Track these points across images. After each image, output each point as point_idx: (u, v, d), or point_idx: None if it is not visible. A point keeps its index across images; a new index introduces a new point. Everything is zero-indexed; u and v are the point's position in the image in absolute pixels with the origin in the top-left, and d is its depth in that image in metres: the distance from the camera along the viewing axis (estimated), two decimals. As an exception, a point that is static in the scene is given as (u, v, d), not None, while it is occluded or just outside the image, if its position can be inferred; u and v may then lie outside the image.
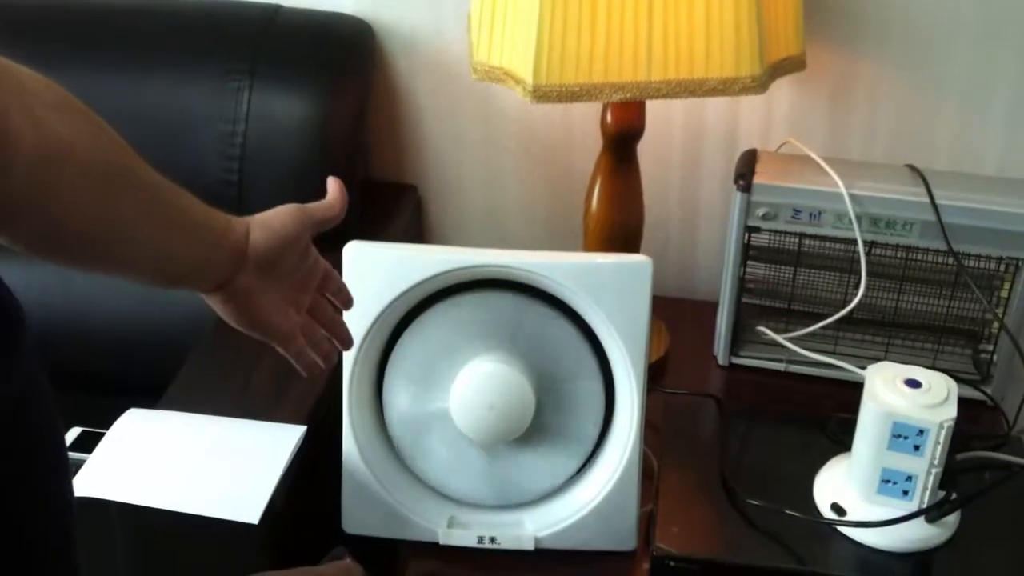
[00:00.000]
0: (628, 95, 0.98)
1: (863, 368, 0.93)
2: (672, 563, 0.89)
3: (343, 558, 0.79)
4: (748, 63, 0.97)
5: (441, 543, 0.95)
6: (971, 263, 1.08)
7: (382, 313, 0.91)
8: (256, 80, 1.25)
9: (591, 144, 1.18)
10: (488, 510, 0.97)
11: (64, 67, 1.28)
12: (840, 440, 0.98)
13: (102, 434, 0.95)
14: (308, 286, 0.74)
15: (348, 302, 0.78)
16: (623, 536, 0.95)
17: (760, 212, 1.09)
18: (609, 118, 1.10)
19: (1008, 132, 1.24)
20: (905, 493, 0.89)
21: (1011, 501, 0.94)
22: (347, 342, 0.79)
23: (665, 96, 0.98)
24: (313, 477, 0.98)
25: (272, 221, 0.69)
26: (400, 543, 0.96)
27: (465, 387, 0.91)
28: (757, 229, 1.12)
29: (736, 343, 1.19)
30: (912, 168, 1.10)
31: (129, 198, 0.57)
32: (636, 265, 0.89)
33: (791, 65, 1.06)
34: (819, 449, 0.99)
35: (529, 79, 0.97)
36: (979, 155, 1.26)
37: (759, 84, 0.98)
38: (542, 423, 0.93)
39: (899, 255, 1.10)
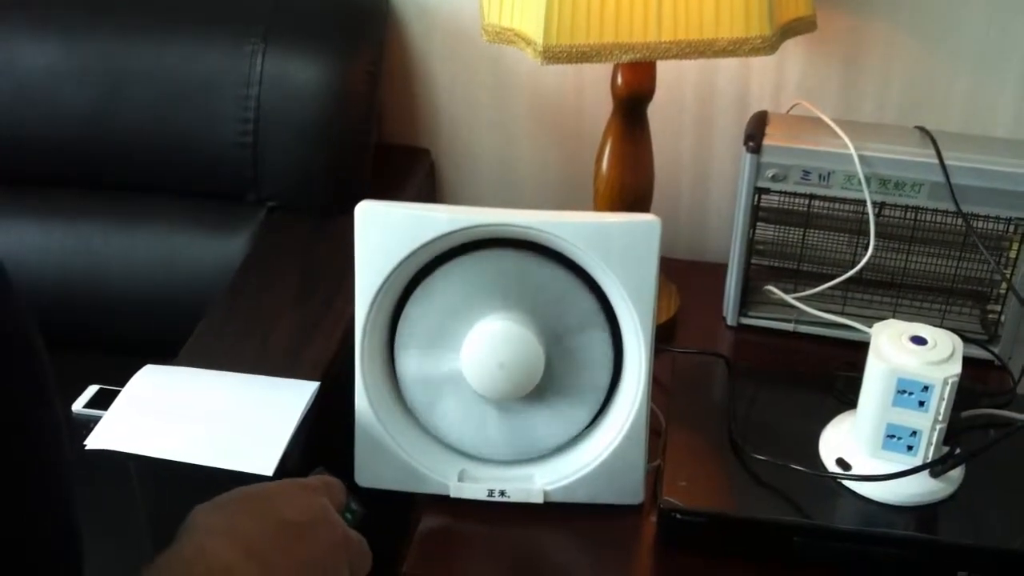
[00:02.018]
0: (637, 55, 0.98)
1: (871, 328, 0.94)
2: (679, 516, 0.91)
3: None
4: (758, 24, 0.97)
5: (452, 496, 0.97)
6: (980, 224, 1.08)
7: (393, 272, 0.92)
8: (270, 44, 1.26)
9: (602, 107, 1.19)
10: (498, 464, 0.99)
11: (81, 31, 1.30)
12: (847, 398, 0.99)
13: (119, 392, 0.97)
14: None
15: None
16: (631, 490, 0.96)
17: (770, 173, 1.10)
18: (619, 80, 1.11)
19: (1021, 94, 1.24)
20: (909, 448, 0.91)
21: (1015, 457, 0.95)
22: None
23: (675, 57, 0.98)
24: (327, 432, 0.99)
25: None
26: (412, 496, 0.97)
27: (475, 345, 0.93)
28: (767, 191, 1.12)
29: (745, 304, 1.20)
30: (922, 129, 1.10)
31: None
32: (645, 224, 0.90)
33: (802, 26, 1.06)
34: (826, 407, 1.00)
35: (539, 40, 0.97)
36: (992, 117, 1.26)
37: (769, 45, 0.99)
38: (552, 380, 0.95)
39: (908, 216, 1.10)
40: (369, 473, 0.98)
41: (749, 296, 1.20)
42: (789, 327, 1.18)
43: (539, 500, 0.97)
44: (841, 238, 1.14)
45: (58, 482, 0.54)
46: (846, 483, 0.92)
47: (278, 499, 0.71)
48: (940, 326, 0.93)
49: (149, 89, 1.28)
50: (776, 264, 1.19)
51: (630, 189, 1.16)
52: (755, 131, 1.11)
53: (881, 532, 0.89)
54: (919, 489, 0.91)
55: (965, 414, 0.94)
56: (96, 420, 0.93)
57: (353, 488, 0.82)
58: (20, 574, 0.50)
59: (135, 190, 1.34)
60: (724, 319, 1.21)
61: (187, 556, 0.62)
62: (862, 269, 1.11)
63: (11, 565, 0.49)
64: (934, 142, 1.07)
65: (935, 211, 1.09)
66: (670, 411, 1.02)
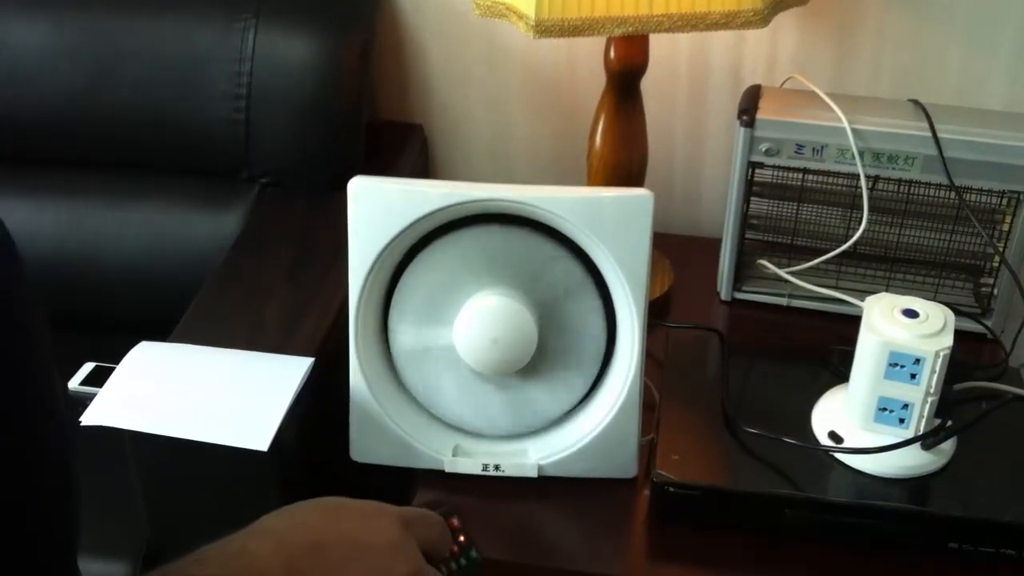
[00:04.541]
0: (630, 29, 0.98)
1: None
2: (672, 489, 0.91)
3: (452, 517, 0.77)
4: (750, -4, 0.97)
5: (447, 471, 0.97)
6: (972, 197, 1.09)
7: (386, 248, 0.92)
8: (262, 20, 1.26)
9: (596, 82, 1.18)
10: (493, 439, 0.99)
11: (73, 8, 1.29)
12: (840, 372, 0.99)
13: (114, 368, 0.97)
14: None
15: None
16: (624, 464, 0.97)
17: (763, 147, 1.10)
18: (612, 54, 1.11)
19: (1014, 67, 1.24)
20: (901, 421, 0.91)
21: (1006, 429, 0.96)
22: None
23: (667, 30, 0.98)
24: (322, 408, 1.00)
25: None
26: (407, 471, 0.98)
27: (469, 320, 0.93)
28: (761, 165, 1.12)
29: (739, 279, 1.20)
30: (915, 103, 1.10)
31: None
32: (637, 198, 0.90)
33: (794, -1, 1.06)
34: (819, 380, 1.01)
35: (531, 13, 0.97)
36: (985, 90, 1.26)
37: (761, 18, 0.98)
38: (545, 355, 0.95)
39: (901, 190, 1.10)
40: (364, 448, 0.98)
41: (743, 271, 1.20)
42: (783, 301, 1.19)
43: (533, 474, 0.97)
44: (835, 212, 1.14)
45: (56, 438, 0.53)
46: (838, 456, 0.93)
47: (348, 514, 0.68)
48: (933, 299, 0.93)
49: (141, 66, 1.27)
50: (770, 239, 1.19)
51: (624, 164, 1.16)
52: (749, 105, 1.11)
53: (873, 504, 0.90)
54: (911, 462, 0.91)
55: (957, 387, 0.94)
56: (92, 397, 0.94)
57: (466, 531, 0.79)
58: (18, 532, 0.50)
59: (128, 168, 1.34)
60: (718, 294, 1.21)
61: (228, 552, 0.61)
62: (856, 243, 1.11)
63: (10, 523, 0.49)
64: (927, 115, 1.07)
65: (928, 184, 1.09)
66: (664, 385, 1.02)
